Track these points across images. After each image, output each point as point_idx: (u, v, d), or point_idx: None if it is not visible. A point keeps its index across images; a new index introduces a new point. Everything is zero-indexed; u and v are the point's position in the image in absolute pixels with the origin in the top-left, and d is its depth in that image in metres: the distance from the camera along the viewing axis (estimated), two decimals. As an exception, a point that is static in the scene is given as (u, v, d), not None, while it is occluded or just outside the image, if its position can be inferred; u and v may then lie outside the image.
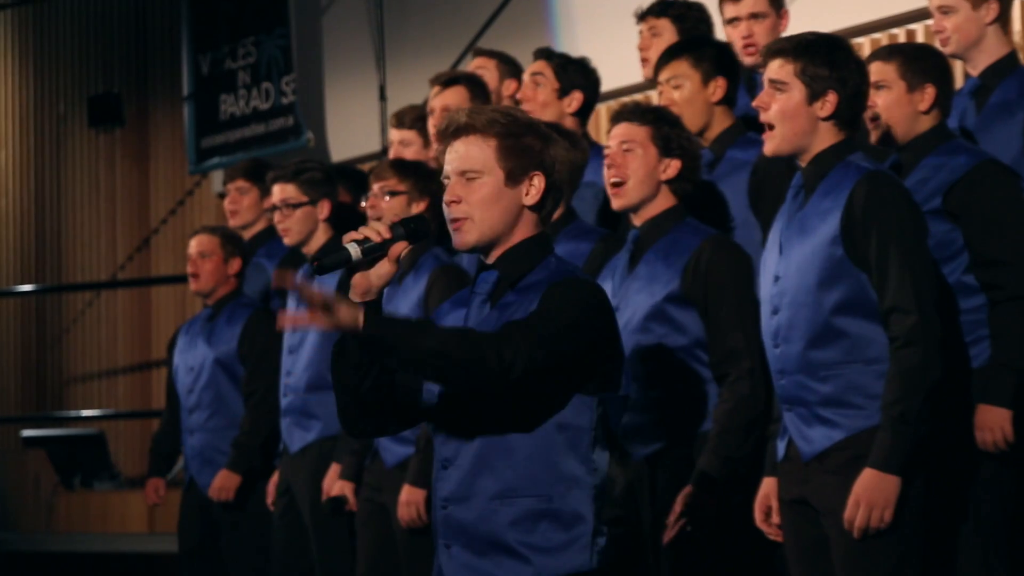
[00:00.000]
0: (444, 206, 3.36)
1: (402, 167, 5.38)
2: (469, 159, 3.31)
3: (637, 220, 4.62)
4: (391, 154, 6.30)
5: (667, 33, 5.55)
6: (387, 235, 3.25)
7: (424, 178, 5.34)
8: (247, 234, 6.88)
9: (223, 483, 6.25)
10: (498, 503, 3.25)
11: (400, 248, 3.26)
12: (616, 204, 4.63)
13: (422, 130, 6.20)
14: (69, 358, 11.40)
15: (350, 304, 3.12)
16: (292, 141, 9.38)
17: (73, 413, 10.97)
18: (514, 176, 3.31)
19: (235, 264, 6.46)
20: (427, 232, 3.31)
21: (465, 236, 3.32)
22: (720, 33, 5.68)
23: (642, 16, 5.74)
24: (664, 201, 4.59)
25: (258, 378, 6.27)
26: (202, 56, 10.17)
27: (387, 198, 5.29)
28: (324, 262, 3.24)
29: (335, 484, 5.67)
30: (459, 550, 3.29)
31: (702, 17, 5.68)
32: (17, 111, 11.72)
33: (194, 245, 6.46)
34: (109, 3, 11.45)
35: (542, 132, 3.36)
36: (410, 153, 6.16)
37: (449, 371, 3.14)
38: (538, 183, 3.33)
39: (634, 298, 4.52)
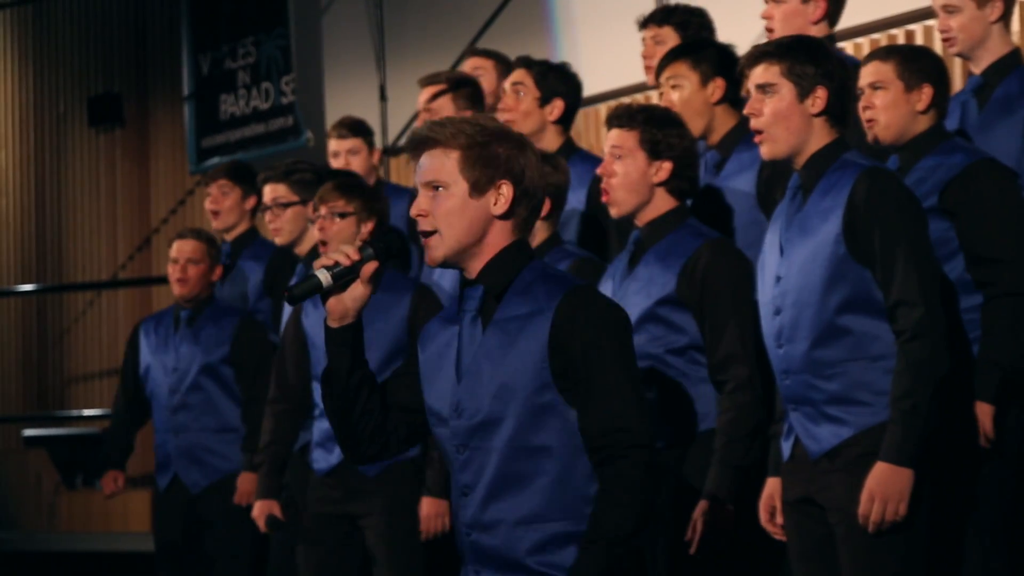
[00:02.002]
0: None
1: (347, 188, 5.34)
2: (433, 172, 3.28)
3: (638, 222, 4.61)
4: (337, 165, 6.43)
5: (670, 41, 5.49)
6: (356, 257, 3.25)
7: (370, 198, 5.32)
8: (230, 236, 6.89)
9: (248, 487, 6.23)
10: (524, 528, 3.22)
11: (371, 268, 3.26)
12: (612, 213, 4.62)
13: (366, 137, 6.38)
14: (70, 358, 11.41)
15: None
16: (292, 141, 9.38)
17: (75, 412, 10.97)
18: (479, 186, 3.27)
19: (218, 271, 6.53)
20: (398, 250, 3.30)
21: (433, 252, 3.29)
22: (722, 39, 5.66)
23: (644, 24, 5.70)
24: (662, 203, 4.58)
25: (258, 383, 6.29)
26: (202, 56, 10.18)
27: (337, 219, 5.28)
28: (295, 292, 3.24)
29: (257, 505, 5.68)
30: (491, 574, 3.26)
31: (704, 23, 5.63)
32: (17, 111, 11.73)
33: (183, 250, 6.46)
34: (109, 3, 11.46)
35: (512, 139, 3.31)
36: (358, 161, 6.27)
37: (645, 524, 3.19)
38: (506, 192, 3.28)
39: (632, 299, 4.51)
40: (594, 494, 3.20)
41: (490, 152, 3.27)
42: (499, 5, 8.62)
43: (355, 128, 6.56)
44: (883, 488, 3.86)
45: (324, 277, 3.24)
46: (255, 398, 6.32)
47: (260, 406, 6.25)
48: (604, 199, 4.62)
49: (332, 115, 9.33)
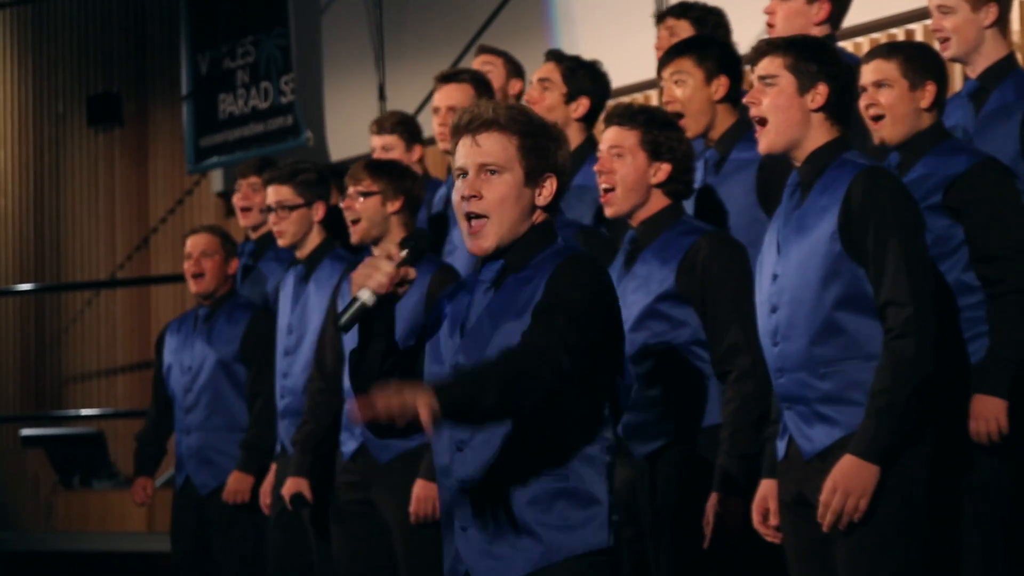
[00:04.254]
0: (458, 200, 3.33)
1: (375, 168, 5.39)
2: (492, 154, 3.29)
3: (633, 222, 4.62)
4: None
5: (685, 34, 5.47)
6: (395, 279, 3.26)
7: (398, 177, 5.35)
8: (255, 234, 6.88)
9: (237, 486, 6.25)
10: (515, 483, 3.23)
11: (411, 277, 3.28)
12: (608, 212, 4.63)
13: (403, 134, 6.26)
14: (68, 357, 11.41)
15: (421, 394, 3.06)
16: (291, 140, 9.38)
17: (72, 412, 10.98)
18: (532, 176, 3.30)
19: (234, 264, 6.48)
20: (428, 247, 3.32)
21: (483, 241, 3.30)
22: (737, 39, 5.65)
23: (661, 17, 5.71)
24: (658, 202, 4.58)
25: (264, 379, 6.27)
26: (201, 55, 10.18)
27: (361, 199, 5.30)
28: (344, 321, 3.26)
29: (288, 482, 5.68)
30: (475, 532, 3.28)
31: (720, 22, 5.63)
32: (16, 111, 11.72)
33: (196, 244, 6.43)
34: (108, 3, 11.46)
35: (554, 134, 3.35)
36: (393, 157, 6.18)
37: (520, 408, 3.15)
38: (550, 185, 3.32)
39: (631, 297, 4.52)
40: (582, 452, 3.23)
41: (543, 143, 3.31)
42: (498, 5, 8.62)
43: (395, 126, 6.32)
44: (846, 481, 3.86)
45: (368, 297, 3.26)
46: (258, 394, 6.30)
47: (263, 403, 6.23)
48: (602, 199, 4.62)
49: (331, 114, 9.36)
